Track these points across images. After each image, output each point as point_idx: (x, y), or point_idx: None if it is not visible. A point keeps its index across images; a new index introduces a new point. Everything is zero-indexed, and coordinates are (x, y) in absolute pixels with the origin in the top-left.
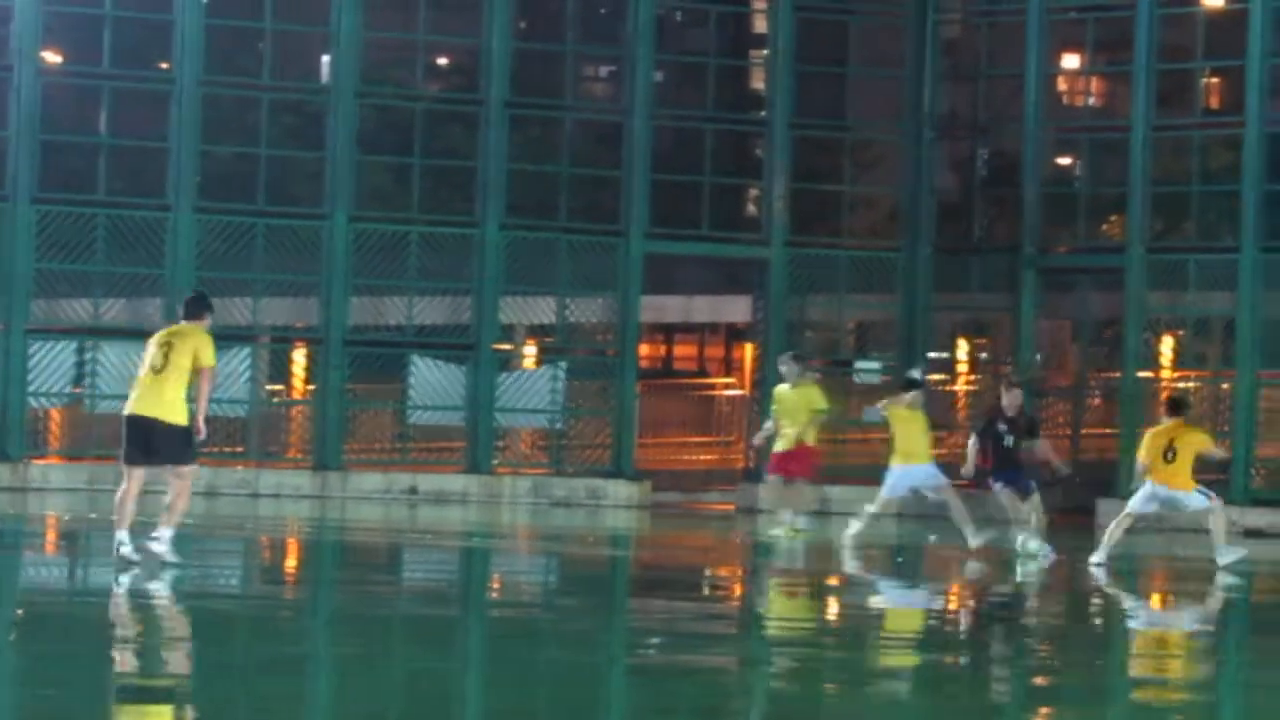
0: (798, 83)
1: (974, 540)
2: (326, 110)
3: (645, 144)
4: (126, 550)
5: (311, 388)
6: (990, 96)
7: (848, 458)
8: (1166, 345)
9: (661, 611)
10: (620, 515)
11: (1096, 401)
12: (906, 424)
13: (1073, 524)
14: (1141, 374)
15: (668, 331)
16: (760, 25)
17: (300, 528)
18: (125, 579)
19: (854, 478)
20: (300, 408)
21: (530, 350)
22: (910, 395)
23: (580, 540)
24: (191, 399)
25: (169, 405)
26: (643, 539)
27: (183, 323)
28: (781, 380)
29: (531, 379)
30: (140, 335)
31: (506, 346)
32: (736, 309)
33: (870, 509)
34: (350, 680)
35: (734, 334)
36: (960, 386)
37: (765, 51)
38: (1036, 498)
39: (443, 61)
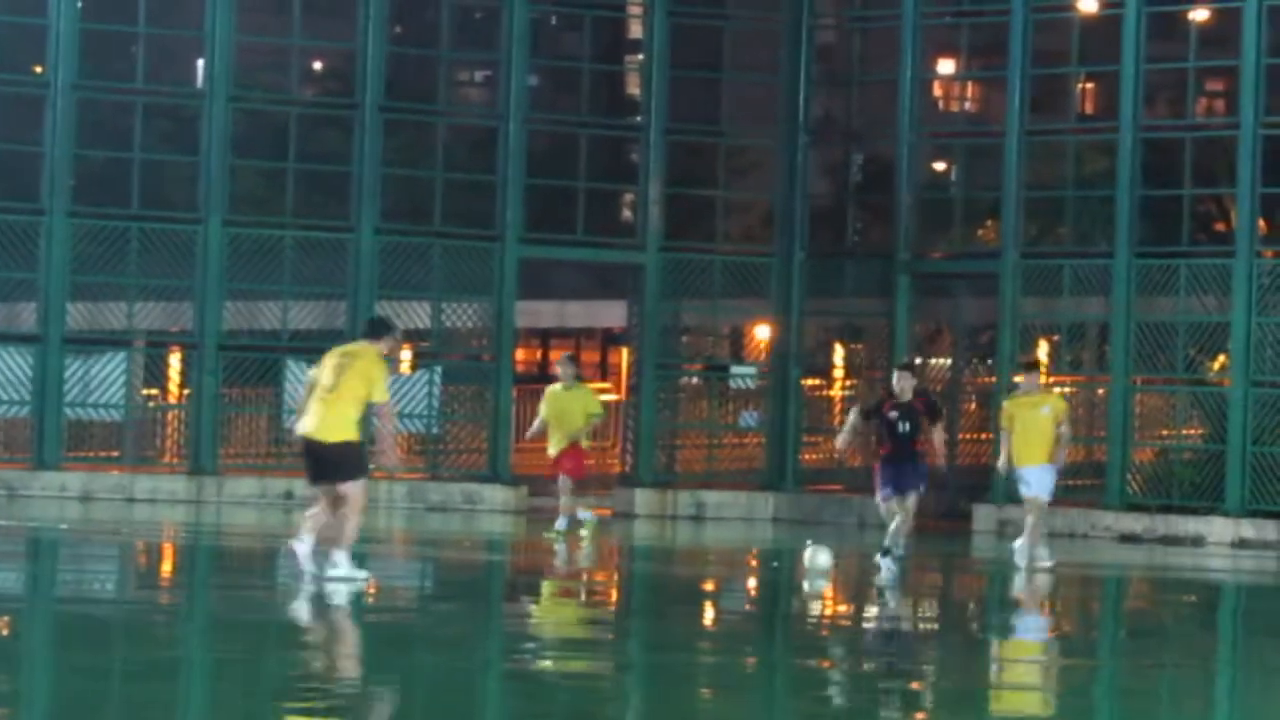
0: (672, 88)
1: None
2: (200, 114)
3: (520, 148)
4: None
5: (187, 392)
6: (865, 102)
7: (724, 463)
8: (1041, 350)
9: (533, 616)
10: (497, 520)
11: (972, 406)
12: None
13: (949, 530)
14: (1016, 379)
15: (543, 336)
16: (635, 30)
17: (175, 533)
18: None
19: (729, 483)
20: (175, 412)
21: (405, 355)
22: None
23: (455, 545)
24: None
25: (334, 424)
26: (518, 544)
27: (361, 342)
28: (556, 381)
29: (407, 383)
30: (12, 340)
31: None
32: (612, 314)
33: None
34: (224, 685)
35: (609, 339)
36: (836, 392)
37: (640, 56)
38: (912, 500)
39: (317, 66)
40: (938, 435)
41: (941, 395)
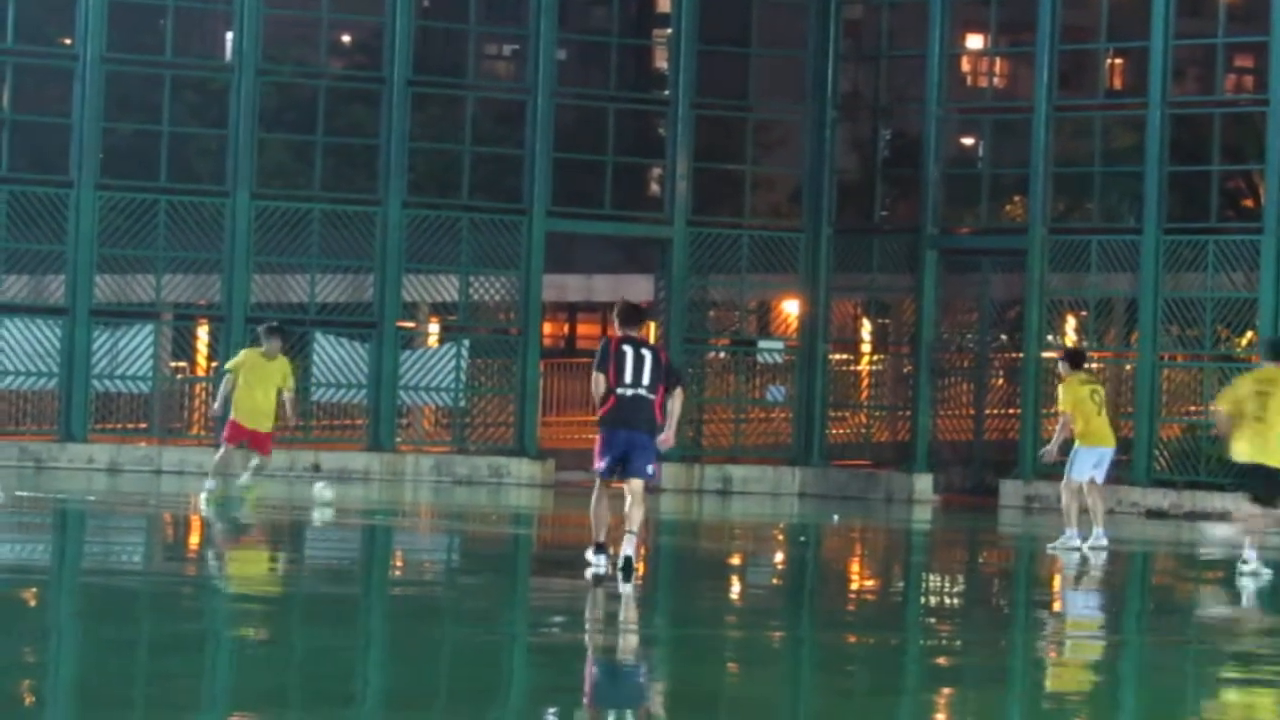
0: (700, 62)
1: None
2: (229, 87)
3: (548, 122)
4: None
5: (214, 365)
6: (892, 77)
7: (750, 438)
8: (1069, 326)
9: (563, 590)
10: (523, 493)
11: (999, 382)
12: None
13: (975, 505)
14: (1044, 354)
15: (570, 310)
16: (663, 4)
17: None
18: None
19: (756, 458)
20: (203, 385)
21: (433, 328)
22: None
23: (483, 519)
24: None
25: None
26: (545, 517)
27: (1269, 366)
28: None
29: (434, 357)
30: (40, 312)
31: (409, 324)
32: (639, 288)
33: None
34: (251, 659)
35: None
36: (863, 366)
37: (668, 31)
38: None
39: (345, 39)
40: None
41: (969, 370)
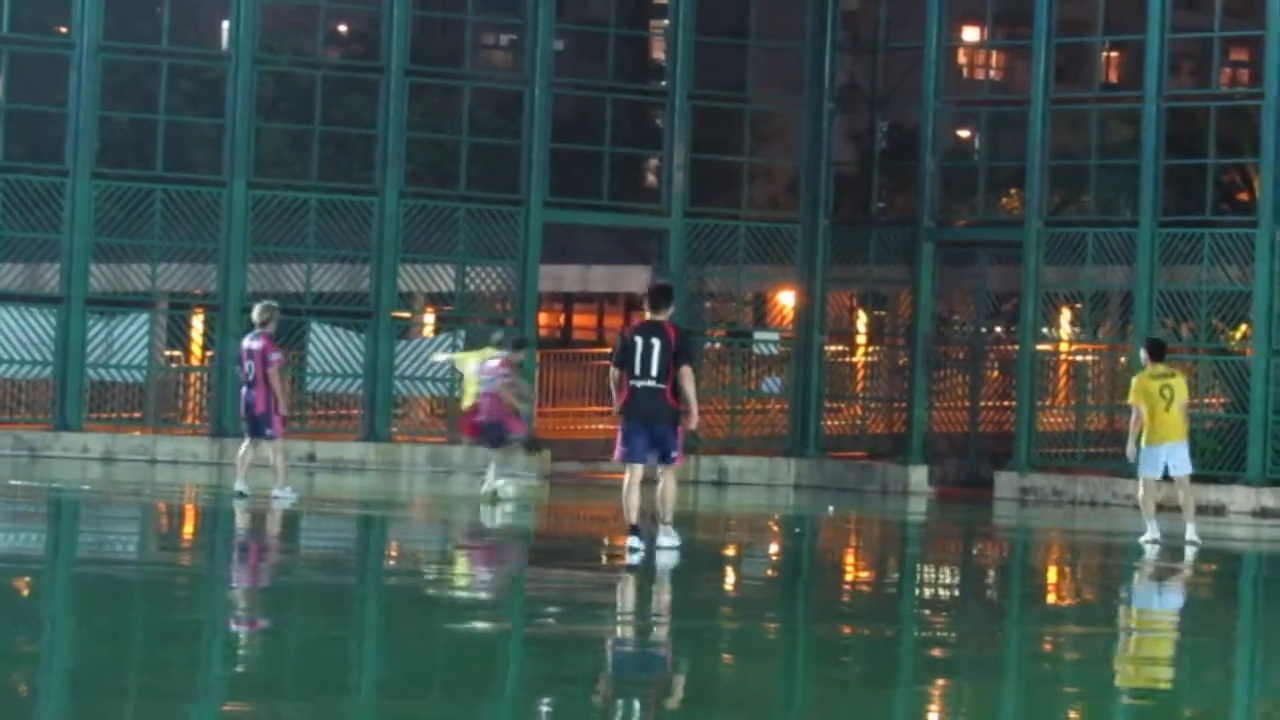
0: (698, 53)
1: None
2: (225, 76)
3: (545, 113)
4: None
5: (210, 354)
6: (890, 69)
7: (746, 429)
8: (1064, 318)
9: (558, 580)
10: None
11: (994, 374)
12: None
13: (971, 497)
14: (1039, 347)
15: (566, 301)
16: None
17: (196, 494)
18: None
19: (751, 449)
20: (198, 374)
21: (429, 318)
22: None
23: (478, 509)
24: None
25: None
26: (540, 508)
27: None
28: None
29: (430, 347)
30: (35, 301)
31: (405, 314)
32: (635, 279)
33: None
34: (246, 647)
35: (632, 304)
36: (859, 358)
37: (665, 22)
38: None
39: (343, 29)
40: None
41: (965, 362)
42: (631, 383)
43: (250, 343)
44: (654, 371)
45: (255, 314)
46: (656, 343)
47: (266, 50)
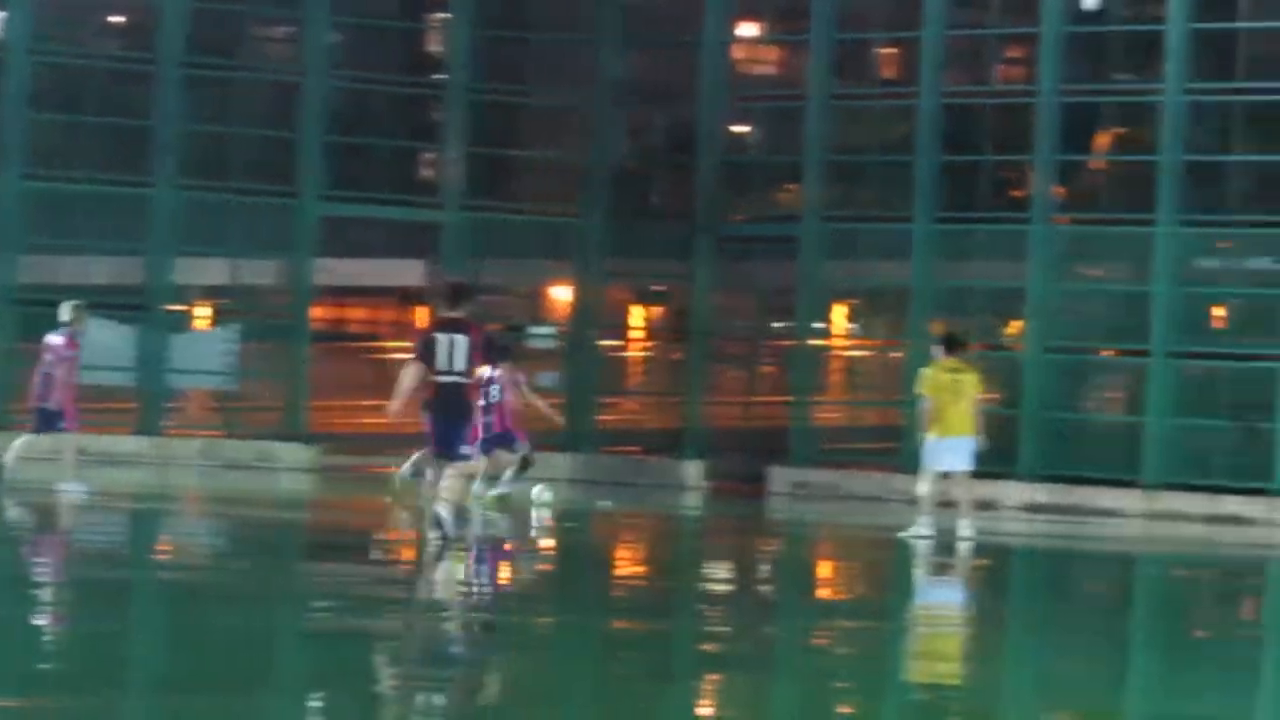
0: (479, 47)
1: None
2: (1, 67)
3: (321, 105)
4: None
5: None
6: (670, 65)
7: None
8: (841, 314)
9: (327, 575)
10: (292, 478)
11: (770, 369)
12: None
13: (746, 493)
14: (814, 342)
15: (341, 295)
16: None
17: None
18: None
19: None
20: None
21: (204, 312)
22: None
23: (249, 504)
24: None
25: None
26: (312, 502)
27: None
28: None
29: (204, 340)
30: None
31: (179, 307)
32: (411, 272)
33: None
34: (22, 642)
35: (407, 297)
36: (636, 353)
37: (445, 15)
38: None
39: (118, 19)
40: None
41: (741, 358)
42: (437, 377)
43: (53, 338)
44: (459, 367)
45: (65, 312)
46: (460, 340)
47: (41, 41)
